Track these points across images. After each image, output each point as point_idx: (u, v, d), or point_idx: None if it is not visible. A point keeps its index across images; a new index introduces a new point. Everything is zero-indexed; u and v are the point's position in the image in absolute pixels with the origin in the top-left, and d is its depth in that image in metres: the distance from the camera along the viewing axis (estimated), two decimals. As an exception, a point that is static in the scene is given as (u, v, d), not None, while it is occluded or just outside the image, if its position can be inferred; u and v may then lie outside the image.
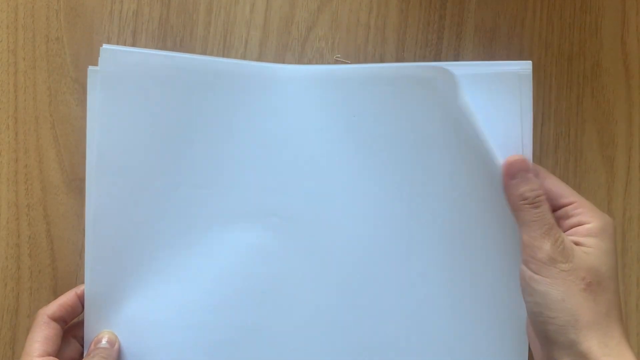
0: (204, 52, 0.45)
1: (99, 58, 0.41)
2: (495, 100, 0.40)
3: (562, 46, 0.46)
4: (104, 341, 0.41)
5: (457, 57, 0.46)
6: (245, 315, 0.42)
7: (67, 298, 0.41)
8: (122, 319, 0.42)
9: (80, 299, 0.41)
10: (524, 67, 0.40)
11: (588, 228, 0.37)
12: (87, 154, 0.42)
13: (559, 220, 0.38)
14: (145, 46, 0.45)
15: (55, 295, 0.44)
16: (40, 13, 0.45)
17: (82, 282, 0.42)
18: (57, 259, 0.44)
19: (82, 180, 0.44)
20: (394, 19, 0.46)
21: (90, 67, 0.42)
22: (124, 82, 0.41)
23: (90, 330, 0.41)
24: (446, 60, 0.45)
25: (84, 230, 0.43)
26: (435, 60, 0.45)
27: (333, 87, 0.42)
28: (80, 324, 0.42)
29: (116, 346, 0.41)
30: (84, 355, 0.41)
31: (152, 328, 0.42)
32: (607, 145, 0.46)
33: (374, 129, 0.42)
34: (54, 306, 0.40)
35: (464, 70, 0.40)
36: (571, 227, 0.38)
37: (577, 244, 0.37)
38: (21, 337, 0.44)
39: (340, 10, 0.46)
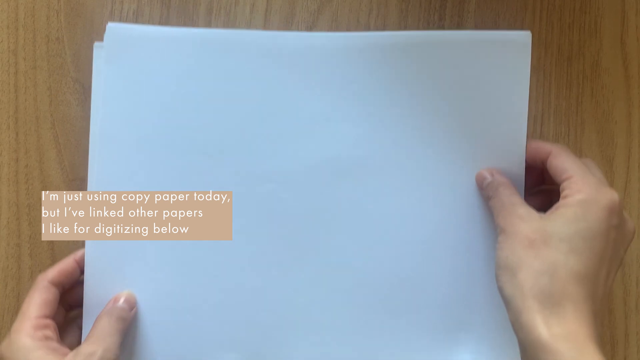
0: (204, 52, 0.45)
1: (105, 34, 0.42)
2: (495, 67, 0.43)
3: (561, 46, 0.46)
4: (121, 301, 0.41)
5: (456, 57, 0.46)
6: (245, 277, 0.43)
7: (65, 264, 0.42)
8: (122, 283, 0.42)
9: (79, 264, 0.42)
10: (524, 36, 0.43)
11: (565, 199, 0.37)
12: (90, 126, 0.43)
13: (559, 196, 0.38)
14: (146, 46, 0.45)
15: (56, 295, 0.44)
16: (41, 13, 0.45)
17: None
18: (57, 259, 0.44)
19: (83, 180, 0.44)
20: (394, 19, 0.46)
21: (96, 43, 0.43)
22: (129, 57, 0.43)
23: (90, 295, 0.42)
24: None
25: (84, 230, 0.43)
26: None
27: (334, 55, 0.43)
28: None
29: (134, 310, 0.42)
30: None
31: (152, 292, 0.43)
32: (607, 145, 0.46)
33: (372, 94, 0.43)
34: (54, 271, 0.41)
35: (464, 37, 0.43)
36: (562, 199, 0.38)
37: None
38: (22, 337, 0.44)
39: (340, 10, 0.46)
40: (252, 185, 0.43)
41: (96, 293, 0.42)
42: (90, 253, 0.42)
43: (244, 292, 0.43)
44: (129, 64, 0.43)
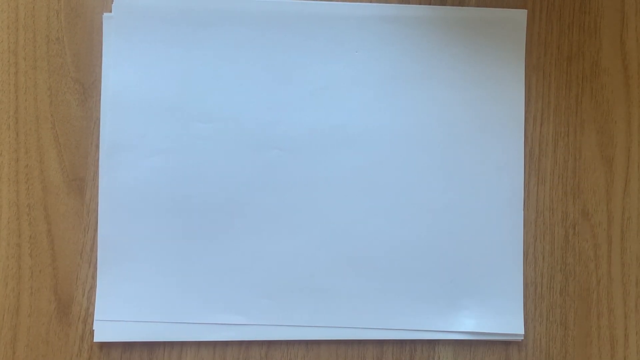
0: (204, 52, 0.46)
1: (113, 5, 0.44)
2: (492, 41, 0.45)
3: (561, 46, 0.46)
4: None
5: (456, 57, 0.46)
6: (250, 242, 0.44)
7: None
8: (132, 244, 0.44)
9: None
10: (520, 14, 0.46)
11: None
12: (102, 93, 0.44)
13: None
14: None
15: (57, 294, 0.44)
16: (41, 13, 0.45)
17: (83, 282, 0.43)
18: (57, 259, 0.44)
19: (83, 179, 0.44)
20: None
21: (105, 14, 0.44)
22: (137, 25, 0.44)
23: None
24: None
25: (84, 229, 0.44)
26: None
27: (336, 24, 0.45)
28: None
29: None
30: None
31: (159, 257, 0.44)
32: (606, 145, 0.46)
33: (375, 63, 0.45)
34: None
35: (463, 13, 0.45)
36: None
37: None
38: (22, 337, 0.44)
39: None
40: (257, 150, 0.44)
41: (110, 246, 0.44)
42: (103, 217, 0.44)
43: (248, 256, 0.44)
44: (138, 33, 0.44)
